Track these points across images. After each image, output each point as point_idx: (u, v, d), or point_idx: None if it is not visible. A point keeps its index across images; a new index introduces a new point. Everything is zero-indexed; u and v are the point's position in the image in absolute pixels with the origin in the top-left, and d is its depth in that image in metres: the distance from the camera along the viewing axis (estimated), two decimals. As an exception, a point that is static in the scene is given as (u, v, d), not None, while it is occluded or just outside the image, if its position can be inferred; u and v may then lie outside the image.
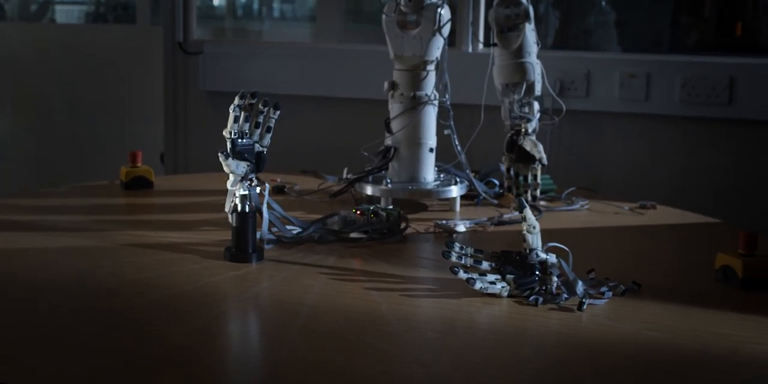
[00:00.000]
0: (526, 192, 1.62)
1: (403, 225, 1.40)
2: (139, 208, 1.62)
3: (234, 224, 1.23)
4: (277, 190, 1.72)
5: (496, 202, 1.65)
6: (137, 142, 2.85)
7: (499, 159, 1.78)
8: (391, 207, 1.41)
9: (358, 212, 1.39)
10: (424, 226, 1.48)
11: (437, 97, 1.61)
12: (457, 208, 1.62)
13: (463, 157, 1.63)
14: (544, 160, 1.57)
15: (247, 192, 1.23)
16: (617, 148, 2.23)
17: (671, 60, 2.16)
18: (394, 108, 1.60)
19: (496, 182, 1.70)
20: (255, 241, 1.25)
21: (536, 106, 1.58)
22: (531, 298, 1.09)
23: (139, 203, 1.64)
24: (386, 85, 1.61)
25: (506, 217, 1.54)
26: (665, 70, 2.14)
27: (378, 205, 1.41)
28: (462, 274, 1.11)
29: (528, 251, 1.12)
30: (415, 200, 1.64)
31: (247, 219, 1.23)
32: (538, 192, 1.62)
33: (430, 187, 1.60)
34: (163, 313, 1.04)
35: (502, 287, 1.11)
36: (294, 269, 1.21)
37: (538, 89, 1.58)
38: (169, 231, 1.40)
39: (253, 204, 1.23)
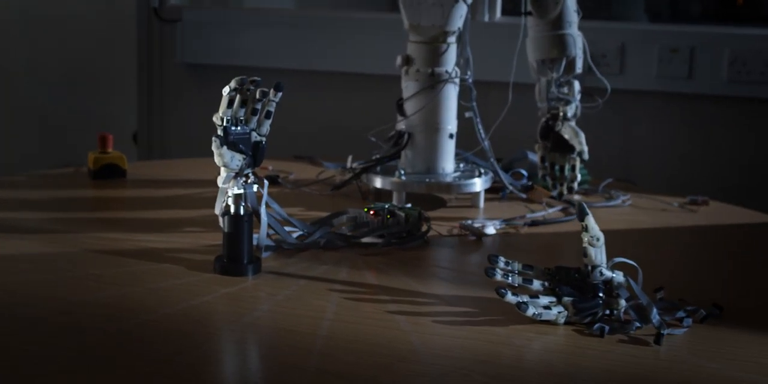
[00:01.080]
0: (562, 185, 1.44)
1: (424, 227, 1.21)
2: (110, 202, 1.42)
3: (226, 229, 1.04)
4: (270, 181, 1.53)
5: (524, 196, 1.47)
6: (107, 121, 2.64)
7: (525, 146, 1.60)
8: (408, 205, 1.22)
9: (371, 212, 1.20)
10: (445, 227, 1.29)
11: (458, 74, 1.42)
12: (481, 203, 1.43)
13: (486, 144, 1.44)
14: (585, 155, 1.38)
15: (242, 190, 1.04)
16: (654, 132, 2.02)
17: (719, 32, 1.94)
18: (408, 86, 1.41)
19: (524, 173, 1.52)
20: (251, 249, 1.06)
21: (577, 85, 1.39)
22: (595, 328, 0.91)
23: (110, 197, 1.45)
24: (399, 59, 1.42)
25: (539, 214, 1.36)
26: (712, 44, 1.93)
27: (393, 204, 1.22)
28: (510, 298, 0.92)
29: (590, 268, 0.94)
30: (431, 195, 1.46)
31: (242, 223, 1.04)
32: (575, 185, 1.44)
33: (450, 179, 1.41)
34: (136, 347, 0.85)
35: (559, 313, 0.93)
36: (299, 285, 1.02)
37: (579, 66, 1.39)
38: (147, 233, 1.20)
39: (249, 205, 1.05)
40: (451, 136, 1.43)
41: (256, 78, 0.99)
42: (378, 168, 1.44)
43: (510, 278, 0.95)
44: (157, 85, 2.40)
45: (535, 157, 1.57)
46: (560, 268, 0.96)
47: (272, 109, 1.03)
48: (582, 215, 0.94)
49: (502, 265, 0.96)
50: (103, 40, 2.73)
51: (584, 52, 1.39)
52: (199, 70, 2.35)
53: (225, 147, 1.00)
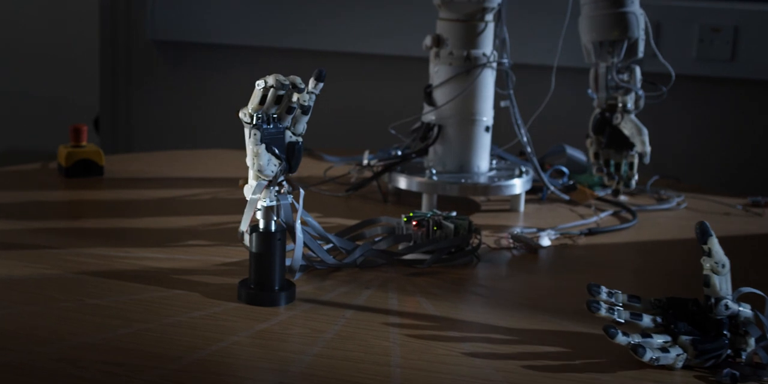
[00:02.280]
0: (619, 183, 1.28)
1: (474, 240, 1.06)
2: (91, 207, 1.24)
3: (254, 249, 0.88)
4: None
5: (567, 197, 1.32)
6: (67, 104, 2.43)
7: (562, 139, 1.45)
8: (453, 213, 1.06)
9: (414, 222, 1.04)
10: (490, 238, 1.14)
11: (496, 57, 1.26)
12: (521, 207, 1.28)
13: (524, 137, 1.28)
14: (647, 158, 1.23)
15: (275, 202, 0.87)
16: (691, 121, 1.85)
17: (765, 10, 1.79)
18: (439, 71, 1.25)
19: (565, 170, 1.37)
20: (283, 273, 0.89)
21: (638, 72, 1.24)
22: (725, 374, 0.77)
23: (90, 200, 1.27)
24: (428, 40, 1.26)
25: (592, 220, 1.22)
26: (757, 23, 1.79)
27: (436, 212, 1.06)
28: (621, 339, 0.77)
29: (713, 301, 0.79)
30: (464, 197, 1.30)
31: (274, 242, 0.88)
32: (633, 183, 1.28)
33: (487, 179, 1.25)
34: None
35: (678, 356, 0.78)
36: (347, 318, 0.86)
37: (641, 49, 1.24)
38: (143, 248, 1.03)
39: (282, 220, 0.88)
40: (487, 129, 1.28)
41: (296, 81, 0.83)
42: (398, 166, 1.28)
43: (615, 313, 0.79)
44: (123, 65, 2.19)
45: (574, 152, 1.42)
46: (673, 299, 0.81)
47: (311, 104, 0.87)
48: (705, 237, 0.79)
49: (604, 296, 0.80)
50: (61, 13, 2.50)
51: (647, 34, 1.24)
52: (169, 48, 2.14)
53: (264, 146, 0.83)
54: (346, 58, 1.98)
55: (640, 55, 1.23)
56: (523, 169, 1.28)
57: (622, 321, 0.79)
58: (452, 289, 0.95)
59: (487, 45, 1.25)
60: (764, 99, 1.80)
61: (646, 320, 0.80)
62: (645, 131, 1.20)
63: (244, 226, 0.87)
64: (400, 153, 1.31)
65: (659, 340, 0.79)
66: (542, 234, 1.13)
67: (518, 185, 1.26)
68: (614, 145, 1.25)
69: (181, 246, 1.05)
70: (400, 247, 1.03)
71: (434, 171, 1.24)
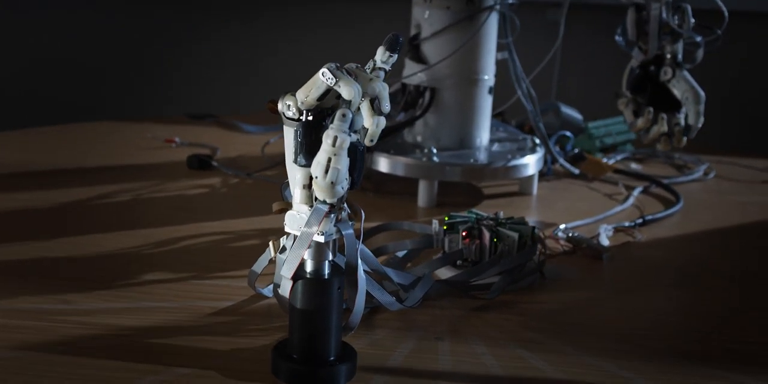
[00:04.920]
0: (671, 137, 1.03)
1: (540, 254, 0.82)
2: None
3: (300, 304, 0.61)
4: (201, 165, 1.08)
5: (577, 171, 1.10)
6: None
7: (558, 98, 1.23)
8: (512, 218, 0.82)
9: (464, 233, 0.79)
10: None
11: (503, -3, 1.02)
12: (535, 189, 1.06)
13: (527, 100, 1.05)
14: (694, 133, 1.01)
15: (334, 235, 0.60)
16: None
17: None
18: (432, 18, 1.00)
19: (569, 135, 1.14)
20: (340, 336, 0.63)
21: (690, 12, 1.00)
22: None
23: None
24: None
25: (626, 206, 1.01)
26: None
27: (480, 213, 0.82)
28: None
29: None
30: (465, 182, 1.07)
31: (332, 294, 0.61)
32: (693, 134, 1.03)
33: (495, 158, 1.02)
34: None
35: None
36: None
37: (696, -15, 1.01)
38: (84, 292, 0.74)
39: (344, 260, 0.62)
40: (490, 90, 1.04)
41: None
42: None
43: None
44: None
45: (569, 110, 1.20)
46: None
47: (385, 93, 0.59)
48: None
49: None
50: None
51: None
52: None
53: (349, 135, 0.56)
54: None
55: (695, -9, 1.00)
56: (536, 142, 1.05)
57: None
58: (549, 330, 0.71)
59: (490, -18, 1.00)
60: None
61: None
62: (702, 97, 0.98)
63: (289, 271, 0.60)
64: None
65: None
66: (601, 231, 0.91)
67: (531, 163, 1.03)
68: (656, 105, 1.02)
69: (136, 285, 0.76)
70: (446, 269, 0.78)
71: (434, 150, 0.99)
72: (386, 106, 0.56)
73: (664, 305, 0.78)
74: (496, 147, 1.03)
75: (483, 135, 1.03)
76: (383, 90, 0.55)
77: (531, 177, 1.04)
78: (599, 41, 1.23)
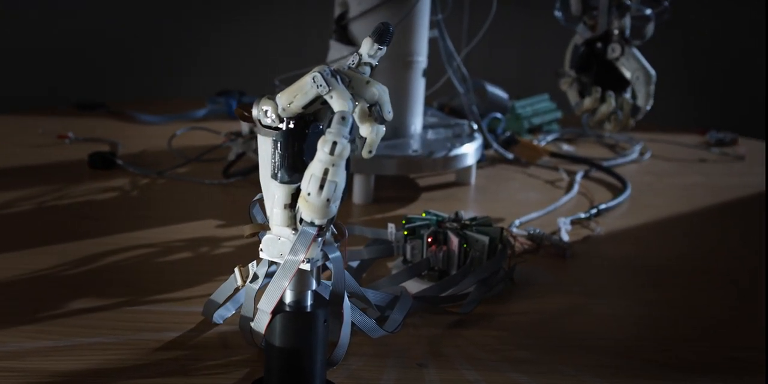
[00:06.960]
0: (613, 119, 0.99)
1: (509, 258, 0.76)
2: None
3: (280, 342, 0.53)
4: (105, 163, 0.98)
5: (510, 156, 1.05)
6: None
7: (485, 76, 1.17)
8: (476, 218, 0.76)
9: (429, 238, 0.73)
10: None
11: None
12: (473, 179, 1.00)
13: (460, 82, 0.99)
14: (641, 114, 0.96)
15: (319, 261, 0.53)
16: None
17: None
18: (358, -5, 0.92)
19: (501, 118, 1.09)
20: (324, 371, 0.56)
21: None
22: None
23: None
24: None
25: (572, 195, 0.96)
26: None
27: (439, 214, 0.76)
28: None
29: None
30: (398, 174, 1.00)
31: (316, 328, 0.54)
32: (640, 116, 0.99)
33: (434, 147, 0.95)
34: None
35: None
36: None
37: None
38: (35, 324, 0.64)
39: (317, 288, 0.54)
40: (424, 73, 0.97)
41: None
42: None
43: None
44: None
45: (495, 89, 1.14)
46: None
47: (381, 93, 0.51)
48: None
49: None
50: None
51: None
52: None
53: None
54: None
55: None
56: (474, 127, 0.99)
57: None
58: (536, 347, 0.66)
59: (421, -46, 0.93)
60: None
61: None
62: (654, 77, 0.93)
63: (269, 306, 0.52)
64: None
65: None
66: (560, 227, 0.85)
67: (470, 153, 0.97)
68: (602, 83, 0.98)
69: (62, 316, 0.66)
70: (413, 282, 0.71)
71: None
72: (389, 113, 0.48)
73: (645, 310, 0.73)
74: (430, 135, 0.97)
75: (417, 122, 0.96)
76: (383, 94, 0.48)
77: (470, 166, 0.97)
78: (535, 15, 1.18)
